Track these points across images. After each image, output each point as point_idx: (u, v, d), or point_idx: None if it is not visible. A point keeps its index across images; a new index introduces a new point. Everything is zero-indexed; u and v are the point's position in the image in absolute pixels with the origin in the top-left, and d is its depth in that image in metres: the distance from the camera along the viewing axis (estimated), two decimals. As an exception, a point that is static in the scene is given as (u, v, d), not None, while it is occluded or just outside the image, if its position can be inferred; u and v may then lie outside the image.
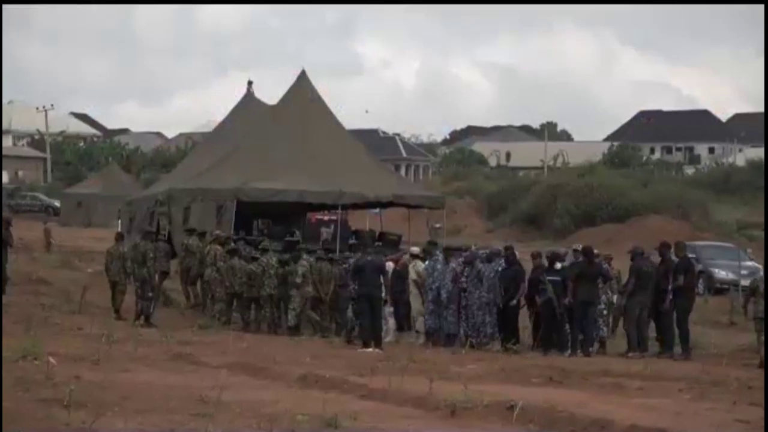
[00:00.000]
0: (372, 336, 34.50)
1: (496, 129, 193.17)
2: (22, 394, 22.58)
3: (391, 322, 36.78)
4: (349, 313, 37.72)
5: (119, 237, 42.69)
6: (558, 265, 36.56)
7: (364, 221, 56.76)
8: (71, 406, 20.28)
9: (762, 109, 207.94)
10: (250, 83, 52.93)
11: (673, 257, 38.57)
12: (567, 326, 35.45)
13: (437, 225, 57.17)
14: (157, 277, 40.99)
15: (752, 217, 72.26)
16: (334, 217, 45.36)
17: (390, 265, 37.78)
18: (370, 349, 33.84)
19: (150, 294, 38.98)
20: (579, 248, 40.17)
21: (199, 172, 48.71)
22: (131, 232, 47.99)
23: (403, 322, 36.77)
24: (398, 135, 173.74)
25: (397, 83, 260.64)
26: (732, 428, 22.13)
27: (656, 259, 38.10)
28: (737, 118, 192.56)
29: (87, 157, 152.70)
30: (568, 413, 22.79)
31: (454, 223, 75.91)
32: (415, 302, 36.28)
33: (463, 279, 36.09)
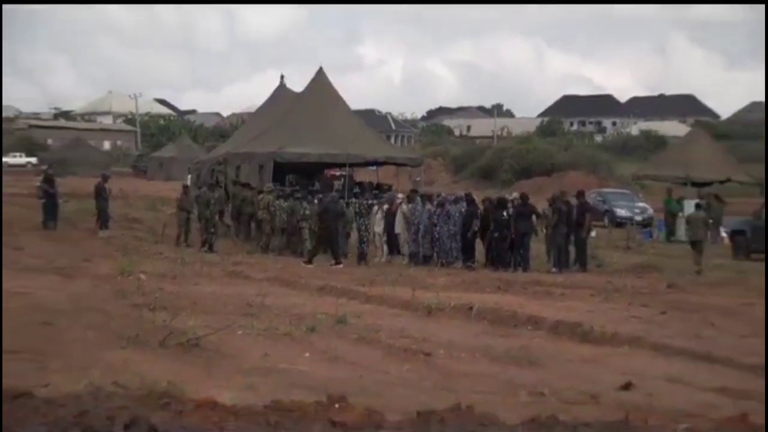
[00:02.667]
0: (337, 255, 34.70)
1: (460, 109, 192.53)
2: (120, 300, 22.80)
3: (385, 249, 36.75)
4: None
5: (185, 189, 42.58)
6: (504, 214, 36.50)
7: (365, 176, 56.52)
8: (155, 309, 20.55)
9: (650, 93, 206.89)
10: (282, 77, 53.08)
11: (575, 201, 38.50)
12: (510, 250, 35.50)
13: (417, 178, 57.19)
14: (216, 216, 41.01)
15: (643, 171, 71.08)
16: (343, 173, 45.38)
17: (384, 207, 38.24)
18: (341, 266, 34.05)
19: (212, 229, 39.05)
20: (518, 195, 40.24)
21: (246, 141, 49.17)
22: (198, 184, 47.92)
23: (393, 249, 36.70)
24: (389, 113, 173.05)
25: (389, 76, 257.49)
26: (628, 322, 22.36)
27: (574, 201, 37.97)
28: (633, 100, 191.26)
29: (166, 130, 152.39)
30: (511, 312, 23.10)
31: (429, 176, 75.29)
32: (403, 233, 36.32)
33: (436, 217, 36.13)
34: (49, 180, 45.91)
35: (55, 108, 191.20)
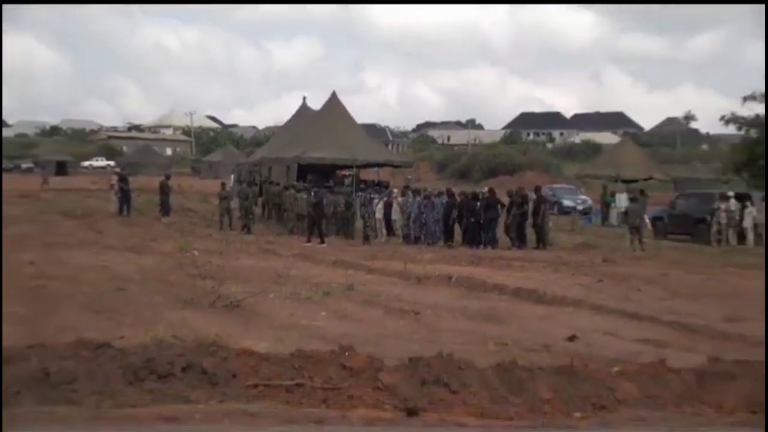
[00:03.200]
0: (321, 236, 34.62)
1: (442, 123, 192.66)
2: (179, 271, 22.76)
3: (384, 231, 36.79)
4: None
5: (223, 185, 42.64)
6: (477, 204, 36.51)
7: (368, 175, 56.48)
8: (206, 278, 20.43)
9: (589, 111, 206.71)
10: (304, 98, 53.31)
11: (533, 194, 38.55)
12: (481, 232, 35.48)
13: (409, 176, 57.61)
14: (253, 206, 41.18)
15: (583, 171, 71.02)
16: (351, 173, 45.36)
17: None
18: (324, 245, 34.01)
19: (250, 216, 39.07)
20: (487, 189, 40.38)
21: (276, 148, 49.53)
22: (239, 181, 48.18)
23: (390, 231, 36.71)
24: (387, 126, 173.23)
25: (386, 97, 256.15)
26: (572, 288, 22.38)
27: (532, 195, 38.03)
28: (576, 116, 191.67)
29: (214, 140, 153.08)
30: (481, 280, 23.10)
31: (418, 175, 75.71)
32: (398, 220, 36.39)
33: (423, 207, 36.13)
34: (123, 178, 46.50)
35: (129, 122, 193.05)
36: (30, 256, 25.52)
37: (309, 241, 35.36)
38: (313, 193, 39.71)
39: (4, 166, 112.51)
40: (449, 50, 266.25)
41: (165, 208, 44.74)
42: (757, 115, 39.08)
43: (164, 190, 45.91)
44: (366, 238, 36.55)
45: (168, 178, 47.80)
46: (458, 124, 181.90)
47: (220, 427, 9.68)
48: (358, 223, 38.37)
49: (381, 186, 42.02)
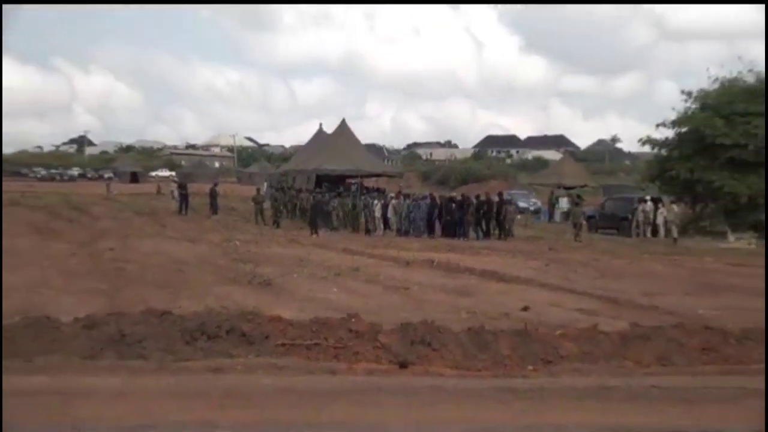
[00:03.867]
0: (316, 231, 34.29)
1: (426, 143, 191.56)
2: (225, 256, 22.71)
3: (381, 226, 36.40)
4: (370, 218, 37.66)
5: (258, 190, 42.38)
6: (452, 205, 36.45)
7: (369, 183, 56.23)
8: (246, 262, 20.39)
9: (539, 134, 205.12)
10: (320, 124, 53.00)
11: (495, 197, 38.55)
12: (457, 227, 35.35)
13: (401, 184, 57.40)
14: (281, 207, 40.97)
15: (535, 180, 70.90)
16: (356, 181, 45.02)
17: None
18: (316, 236, 33.97)
19: (279, 214, 38.66)
20: (460, 195, 40.30)
21: (299, 162, 49.51)
22: (271, 187, 47.94)
23: (386, 226, 36.44)
24: (384, 146, 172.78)
25: (383, 123, 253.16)
26: (525, 270, 22.29)
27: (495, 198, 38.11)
28: (529, 138, 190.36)
29: (251, 156, 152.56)
30: (456, 264, 22.89)
31: (407, 183, 75.22)
32: (392, 218, 36.11)
33: (412, 207, 36.00)
34: (182, 185, 46.67)
35: (186, 142, 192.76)
36: (110, 244, 25.52)
37: (314, 233, 35.18)
38: (312, 197, 39.89)
39: (89, 175, 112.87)
40: (432, 87, 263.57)
41: (213, 208, 44.22)
42: (666, 138, 38.98)
43: (213, 195, 45.91)
44: (368, 231, 36.15)
45: (216, 185, 48.35)
46: (438, 144, 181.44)
47: (256, 376, 9.74)
48: (360, 220, 38.52)
49: (379, 191, 41.79)
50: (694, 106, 38.33)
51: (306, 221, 38.21)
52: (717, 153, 35.90)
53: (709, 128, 36.29)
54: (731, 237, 34.34)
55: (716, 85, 38.28)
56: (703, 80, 40.19)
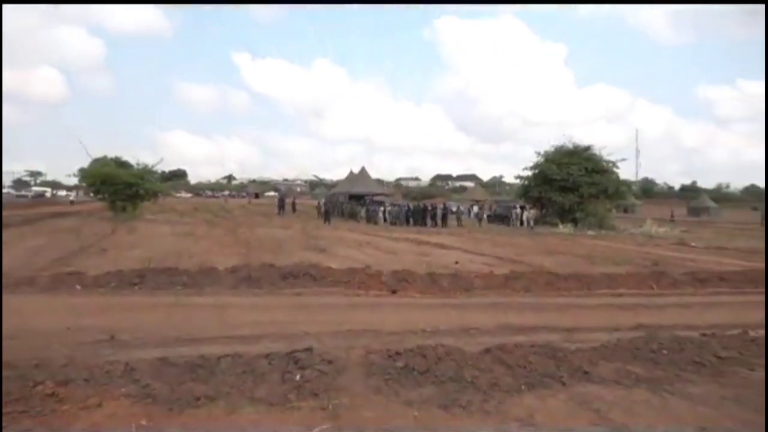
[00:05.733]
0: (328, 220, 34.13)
1: (405, 178, 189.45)
2: (302, 236, 22.52)
3: (382, 220, 36.05)
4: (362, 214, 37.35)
5: (318, 203, 41.78)
6: (421, 208, 36.21)
7: (377, 198, 55.95)
8: (313, 239, 20.23)
9: (467, 173, 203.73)
10: (351, 169, 52.46)
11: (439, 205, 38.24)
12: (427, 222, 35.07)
13: (392, 199, 56.85)
14: (331, 211, 40.52)
15: (461, 197, 71.04)
16: (369, 197, 44.63)
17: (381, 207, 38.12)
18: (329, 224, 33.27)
19: (329, 214, 38.20)
20: (423, 203, 40.07)
21: (341, 187, 48.52)
22: (328, 200, 47.19)
23: (385, 220, 36.14)
24: (382, 179, 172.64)
25: (385, 167, 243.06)
26: (460, 242, 22.13)
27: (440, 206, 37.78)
28: (458, 175, 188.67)
29: (317, 185, 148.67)
30: (422, 240, 22.65)
31: (396, 199, 75.09)
32: (388, 216, 35.83)
33: (398, 209, 35.75)
34: (281, 199, 46.64)
35: (284, 178, 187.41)
36: (243, 230, 25.46)
37: (327, 222, 35.01)
38: (348, 205, 39.90)
39: (233, 194, 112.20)
40: (403, 142, 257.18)
41: (293, 210, 44.06)
42: (528, 176, 39.16)
43: (293, 205, 46.15)
44: (376, 223, 35.28)
45: (294, 199, 48.83)
46: (412, 178, 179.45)
47: (318, 297, 9.65)
48: (366, 217, 38.42)
49: (381, 202, 41.38)
50: (541, 159, 38.64)
51: (344, 218, 38.15)
52: (552, 183, 36.67)
53: (548, 170, 37.11)
54: (560, 226, 34.37)
55: (552, 149, 38.73)
56: (546, 146, 40.29)
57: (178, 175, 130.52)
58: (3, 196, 54.06)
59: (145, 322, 7.33)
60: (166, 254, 14.41)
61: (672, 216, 48.02)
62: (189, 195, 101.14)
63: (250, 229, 26.20)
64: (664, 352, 5.94)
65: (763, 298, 11.37)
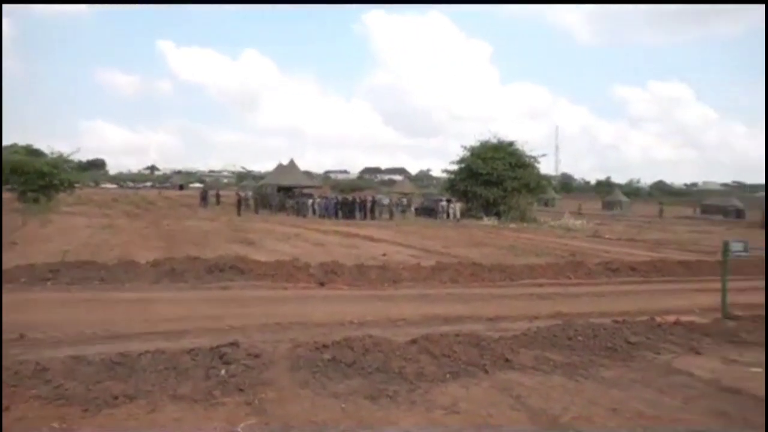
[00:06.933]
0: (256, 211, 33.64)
1: (334, 170, 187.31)
2: (228, 228, 21.90)
3: (312, 213, 35.62)
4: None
5: (237, 193, 40.78)
6: (350, 200, 36.05)
7: (306, 190, 55.40)
8: (239, 231, 19.74)
9: (395, 166, 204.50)
10: (280, 162, 51.37)
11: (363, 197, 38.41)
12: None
13: (321, 192, 56.06)
14: (257, 202, 39.63)
15: (390, 191, 71.72)
16: (298, 189, 43.81)
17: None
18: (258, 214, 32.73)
19: (258, 206, 37.40)
20: (352, 196, 39.94)
21: (269, 179, 47.17)
22: (255, 193, 45.87)
23: (314, 213, 35.75)
24: (311, 171, 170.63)
25: (313, 160, 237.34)
26: (386, 235, 22.21)
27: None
28: (387, 168, 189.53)
29: (245, 176, 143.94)
30: (353, 233, 22.59)
31: (325, 191, 74.43)
32: (317, 208, 35.51)
33: (326, 202, 35.47)
34: (204, 190, 45.49)
35: (210, 169, 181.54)
36: (168, 222, 24.60)
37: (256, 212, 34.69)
38: (275, 197, 39.30)
39: (156, 186, 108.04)
40: (333, 142, 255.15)
41: (217, 202, 42.69)
42: (455, 170, 39.90)
43: (218, 196, 45.06)
44: (305, 216, 34.77)
45: (218, 191, 47.65)
46: (342, 171, 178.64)
47: (245, 291, 9.47)
48: (295, 209, 37.95)
49: (311, 195, 40.77)
50: (467, 154, 39.44)
51: (272, 211, 37.48)
52: (478, 177, 37.53)
53: (474, 165, 37.98)
54: (485, 219, 35.28)
55: (478, 144, 39.63)
56: (472, 141, 41.23)
57: (97, 165, 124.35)
58: None
59: (59, 319, 6.94)
60: (83, 247, 13.72)
61: (580, 209, 50.28)
62: (114, 186, 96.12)
63: (174, 222, 25.37)
64: (580, 338, 6.22)
65: (668, 287, 12.16)
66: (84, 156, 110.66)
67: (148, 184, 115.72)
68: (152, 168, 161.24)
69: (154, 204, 42.22)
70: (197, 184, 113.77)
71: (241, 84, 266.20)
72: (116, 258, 11.64)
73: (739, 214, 58.81)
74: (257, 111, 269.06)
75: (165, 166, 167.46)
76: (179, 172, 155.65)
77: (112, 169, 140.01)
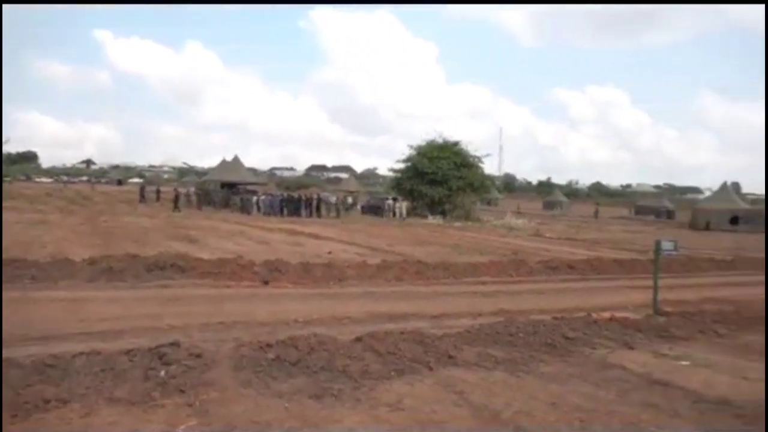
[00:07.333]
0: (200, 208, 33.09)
1: (280, 167, 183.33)
2: (169, 225, 21.24)
3: (256, 210, 34.95)
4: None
5: (175, 190, 39.32)
6: (296, 198, 35.68)
7: (251, 187, 54.28)
8: (180, 228, 19.20)
9: (340, 164, 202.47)
10: (223, 158, 50.19)
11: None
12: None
13: (266, 189, 54.98)
14: (200, 199, 38.50)
15: (335, 188, 71.20)
16: (243, 186, 42.86)
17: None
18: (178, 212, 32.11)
19: (201, 203, 36.49)
20: (298, 194, 39.59)
21: (212, 175, 46.06)
22: (198, 190, 44.55)
23: (259, 210, 35.17)
24: (256, 168, 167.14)
25: (259, 158, 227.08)
26: (331, 233, 22.03)
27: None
28: (333, 166, 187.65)
29: (187, 172, 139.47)
30: (299, 231, 22.36)
31: (268, 189, 73.18)
32: (262, 205, 34.94)
33: (270, 199, 35.01)
34: (142, 186, 44.16)
35: (149, 164, 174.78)
36: (105, 218, 23.71)
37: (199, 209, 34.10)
38: (219, 194, 38.44)
39: (93, 180, 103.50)
40: (279, 139, 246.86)
41: (157, 198, 41.12)
42: (401, 168, 40.21)
43: (158, 192, 43.49)
44: (249, 213, 33.94)
45: (158, 186, 46.05)
46: (287, 168, 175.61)
47: (186, 289, 9.26)
48: (240, 206, 37.23)
49: (256, 191, 40.01)
50: (413, 153, 39.82)
51: (216, 208, 36.62)
52: (423, 176, 37.95)
53: (420, 164, 38.46)
54: (430, 217, 35.70)
55: (424, 143, 40.03)
56: (418, 140, 41.57)
57: (28, 158, 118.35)
58: None
59: (-15, 319, 6.57)
60: (12, 245, 13.03)
61: (518, 209, 51.66)
62: (49, 180, 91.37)
63: (112, 218, 24.46)
64: (521, 335, 6.39)
65: (604, 284, 12.63)
66: (14, 148, 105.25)
67: (84, 178, 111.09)
68: (88, 162, 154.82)
69: (90, 200, 40.58)
70: (137, 180, 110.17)
71: (184, 77, 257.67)
72: (49, 255, 11.15)
73: (669, 214, 61.95)
74: (200, 105, 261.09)
75: (103, 160, 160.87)
76: (117, 167, 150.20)
77: (45, 162, 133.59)
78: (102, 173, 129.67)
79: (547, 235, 27.24)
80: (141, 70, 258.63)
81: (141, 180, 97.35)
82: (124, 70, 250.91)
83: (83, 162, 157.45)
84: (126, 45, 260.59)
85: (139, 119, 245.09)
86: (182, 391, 4.28)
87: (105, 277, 9.63)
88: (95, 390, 4.21)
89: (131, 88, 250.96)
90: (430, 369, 5.16)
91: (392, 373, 4.96)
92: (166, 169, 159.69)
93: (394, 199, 38.56)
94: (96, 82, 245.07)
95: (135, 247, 13.34)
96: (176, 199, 34.36)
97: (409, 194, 39.26)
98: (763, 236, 35.61)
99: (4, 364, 4.57)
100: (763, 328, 7.83)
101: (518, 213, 46.29)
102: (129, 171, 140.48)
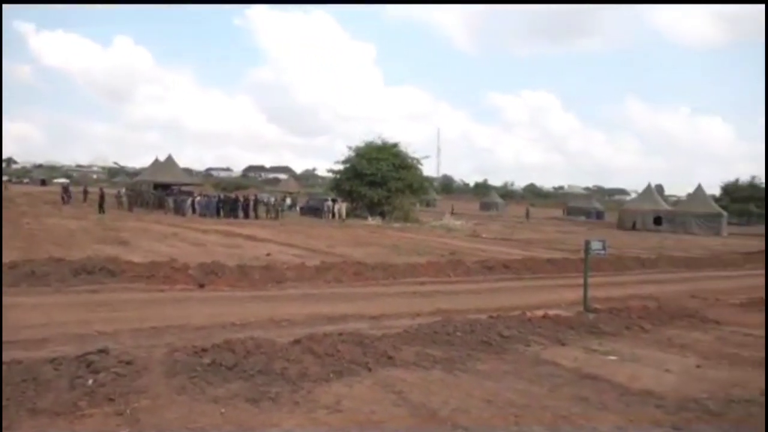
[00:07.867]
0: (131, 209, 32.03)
1: (217, 168, 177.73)
2: (97, 227, 20.39)
3: (190, 211, 34.02)
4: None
5: (100, 191, 38.23)
6: (234, 198, 34.88)
7: (185, 188, 52.74)
8: (110, 230, 18.43)
9: (279, 164, 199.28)
10: (156, 157, 48.60)
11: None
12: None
13: (202, 190, 53.60)
14: (131, 200, 37.03)
15: (274, 188, 70.10)
16: (177, 187, 41.59)
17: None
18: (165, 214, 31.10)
19: (132, 204, 35.17)
20: (234, 195, 38.80)
21: (145, 176, 44.42)
22: (129, 190, 42.87)
23: (194, 211, 34.26)
24: (192, 168, 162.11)
25: (195, 158, 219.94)
26: (268, 234, 21.72)
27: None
28: (271, 167, 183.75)
29: (118, 172, 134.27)
30: (236, 233, 21.96)
31: (205, 190, 71.29)
32: (197, 207, 34.01)
33: (206, 200, 34.14)
34: (66, 186, 42.09)
35: (77, 163, 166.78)
36: (27, 220, 22.46)
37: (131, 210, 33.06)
38: (135, 194, 37.27)
39: (14, 180, 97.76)
40: (215, 139, 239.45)
41: (84, 199, 39.14)
42: (340, 169, 40.15)
43: (84, 192, 41.77)
44: (184, 214, 32.80)
45: (86, 186, 43.94)
46: (224, 169, 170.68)
47: (116, 294, 8.94)
48: (175, 206, 36.11)
49: (191, 192, 38.84)
50: (352, 154, 39.85)
51: (149, 209, 35.35)
52: (362, 177, 38.01)
53: (359, 165, 38.51)
54: (370, 219, 35.82)
55: (363, 144, 40.16)
56: (357, 141, 41.55)
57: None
58: None
59: None
60: None
61: (452, 210, 52.63)
62: None
63: (35, 220, 23.23)
64: (458, 334, 6.50)
65: (538, 283, 13.04)
66: None
67: (5, 178, 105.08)
68: (9, 161, 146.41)
69: (11, 201, 38.36)
70: (62, 180, 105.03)
71: (113, 73, 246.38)
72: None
73: (599, 215, 64.74)
74: (131, 104, 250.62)
75: (25, 159, 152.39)
76: (41, 166, 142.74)
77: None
78: (24, 173, 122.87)
79: (484, 235, 27.85)
80: (66, 65, 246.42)
81: (67, 180, 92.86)
82: (47, 64, 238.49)
83: (3, 160, 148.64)
84: (50, 38, 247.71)
85: (64, 116, 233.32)
86: (111, 400, 4.11)
87: (27, 282, 9.15)
88: (16, 401, 3.98)
89: (55, 83, 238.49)
90: (369, 370, 5.17)
91: (331, 375, 4.95)
92: (95, 168, 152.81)
93: (334, 201, 38.52)
94: (16, 77, 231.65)
95: (60, 251, 12.74)
96: (101, 200, 32.73)
97: (349, 195, 39.28)
98: (682, 236, 38.12)
99: None
100: (682, 322, 8.33)
101: (455, 214, 47.12)
102: (54, 170, 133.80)
